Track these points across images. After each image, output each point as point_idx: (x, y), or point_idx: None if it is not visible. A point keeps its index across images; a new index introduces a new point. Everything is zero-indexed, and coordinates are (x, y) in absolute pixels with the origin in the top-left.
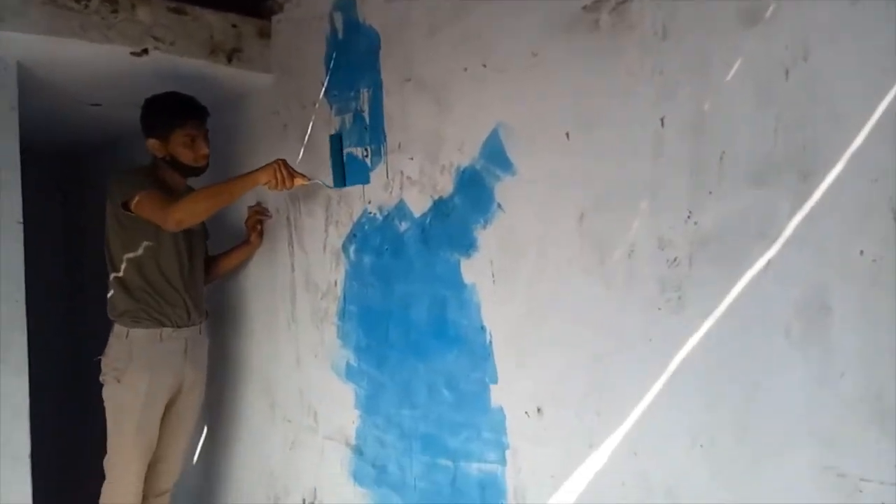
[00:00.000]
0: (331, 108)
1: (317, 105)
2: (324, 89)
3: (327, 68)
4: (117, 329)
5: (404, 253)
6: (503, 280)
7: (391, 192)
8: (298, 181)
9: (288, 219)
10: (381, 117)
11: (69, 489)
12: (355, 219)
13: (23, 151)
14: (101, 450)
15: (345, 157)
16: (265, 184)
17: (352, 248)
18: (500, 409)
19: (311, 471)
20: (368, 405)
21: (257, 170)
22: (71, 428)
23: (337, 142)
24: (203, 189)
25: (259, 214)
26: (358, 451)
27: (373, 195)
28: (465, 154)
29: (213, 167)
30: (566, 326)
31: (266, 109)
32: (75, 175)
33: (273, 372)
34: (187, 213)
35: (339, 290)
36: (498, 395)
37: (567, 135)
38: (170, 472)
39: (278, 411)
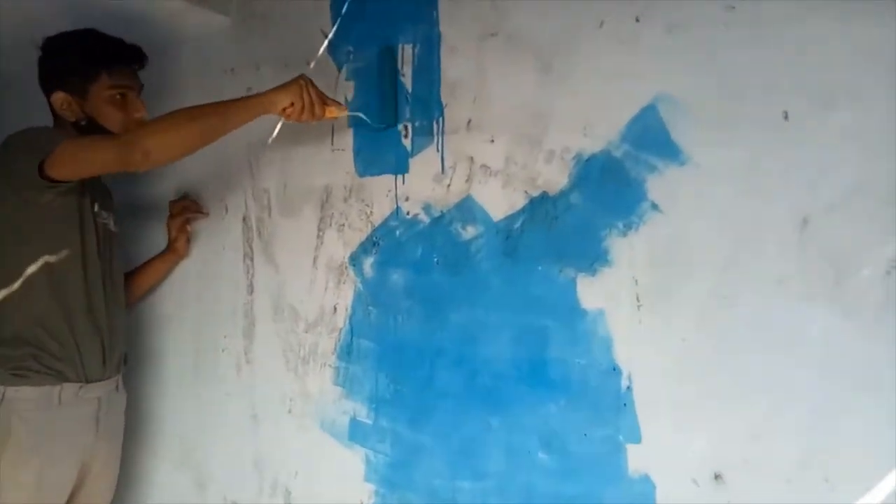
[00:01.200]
0: (339, 69)
1: (312, 65)
2: (327, 42)
3: (336, 13)
4: None
5: (470, 267)
6: (655, 305)
7: (448, 186)
8: (331, 111)
9: (245, 219)
10: (437, 84)
11: None
12: (378, 221)
13: None
14: None
15: (399, 85)
16: (284, 110)
17: (368, 262)
18: (646, 478)
19: None
20: (393, 476)
21: (274, 89)
22: None
23: (389, 59)
24: (184, 109)
25: (187, 211)
26: None
27: (413, 189)
28: (595, 137)
29: None
30: (770, 365)
31: (216, 66)
32: None
33: (205, 438)
34: (159, 142)
35: (341, 319)
36: (641, 458)
37: (785, 114)
38: None
39: (213, 489)
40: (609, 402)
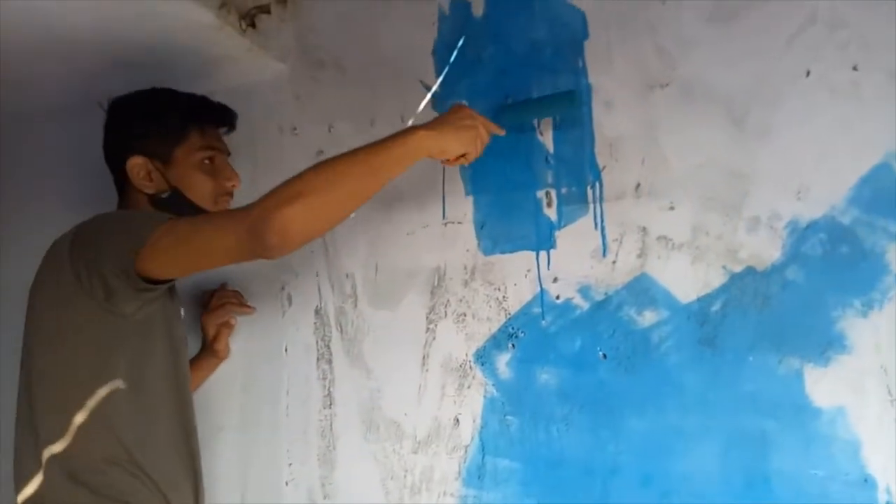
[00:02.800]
0: None
1: (410, 122)
2: (429, 96)
3: (441, 62)
4: None
5: (653, 361)
6: None
7: (614, 263)
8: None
9: (319, 312)
10: (590, 144)
11: None
12: (515, 308)
13: None
14: None
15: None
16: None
17: (503, 359)
18: None
19: None
20: None
21: (440, 129)
22: None
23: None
24: (320, 165)
25: (231, 304)
26: None
27: (564, 268)
28: (813, 201)
29: None
30: None
31: (273, 124)
32: None
33: None
34: (299, 214)
35: (467, 434)
36: None
37: None
38: None
39: None
40: None
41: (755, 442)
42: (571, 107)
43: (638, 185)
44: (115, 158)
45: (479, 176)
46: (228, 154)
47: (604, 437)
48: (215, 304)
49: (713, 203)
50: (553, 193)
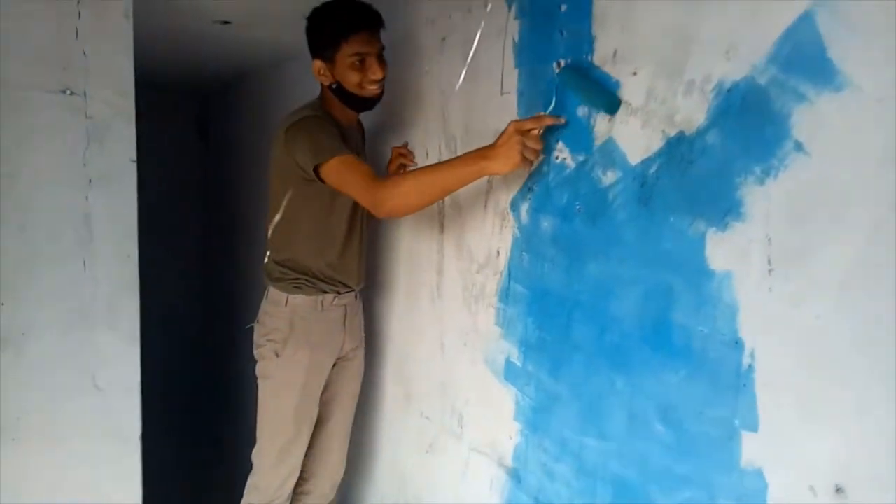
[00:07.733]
0: (509, 8)
1: (489, 6)
2: None
3: None
4: (274, 294)
5: (607, 217)
6: (789, 269)
7: (594, 128)
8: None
9: None
10: (588, 13)
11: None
12: (535, 166)
13: (146, 83)
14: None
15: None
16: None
17: (524, 207)
18: (759, 473)
19: (450, 485)
20: (535, 420)
21: (497, 158)
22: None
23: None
24: (422, 172)
25: (404, 158)
26: (515, 476)
27: (563, 133)
28: (738, 60)
29: None
30: None
31: (420, 18)
32: (211, 113)
33: (412, 356)
34: (402, 204)
35: (501, 263)
36: (756, 450)
37: None
38: (328, 470)
39: (415, 405)
40: (728, 379)
41: (665, 295)
42: (612, 111)
43: (615, 52)
44: (312, 59)
45: (522, 50)
46: (380, 49)
47: (572, 277)
48: (395, 155)
49: (663, 67)
50: (563, 64)
